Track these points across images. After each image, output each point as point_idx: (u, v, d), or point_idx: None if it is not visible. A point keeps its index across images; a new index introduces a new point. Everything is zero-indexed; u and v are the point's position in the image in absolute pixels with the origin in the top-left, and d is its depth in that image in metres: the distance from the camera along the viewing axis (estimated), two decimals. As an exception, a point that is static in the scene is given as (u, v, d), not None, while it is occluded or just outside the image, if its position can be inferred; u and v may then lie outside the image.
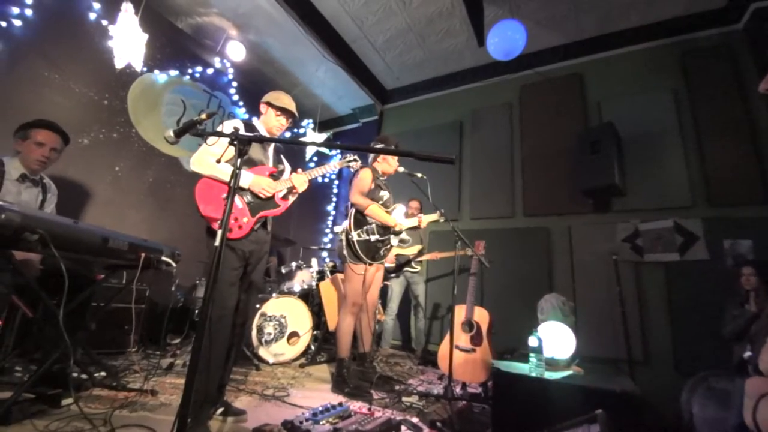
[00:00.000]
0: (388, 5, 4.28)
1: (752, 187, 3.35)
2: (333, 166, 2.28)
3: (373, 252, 2.60)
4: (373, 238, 2.58)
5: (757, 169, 3.36)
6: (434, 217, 2.93)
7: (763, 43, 3.41)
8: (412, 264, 3.98)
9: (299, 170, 2.11)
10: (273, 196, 2.01)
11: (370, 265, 2.59)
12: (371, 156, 2.89)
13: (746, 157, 3.42)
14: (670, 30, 4.06)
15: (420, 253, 3.98)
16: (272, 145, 2.17)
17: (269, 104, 2.13)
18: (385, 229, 2.66)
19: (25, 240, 1.46)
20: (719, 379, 2.15)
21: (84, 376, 2.09)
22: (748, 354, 2.31)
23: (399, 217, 2.78)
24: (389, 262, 3.27)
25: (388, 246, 2.69)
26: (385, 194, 2.75)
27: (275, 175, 2.07)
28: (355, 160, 2.41)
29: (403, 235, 2.78)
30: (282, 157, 2.23)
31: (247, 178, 1.94)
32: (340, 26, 4.70)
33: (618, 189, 3.70)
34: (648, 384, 3.09)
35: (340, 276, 3.51)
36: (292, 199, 2.11)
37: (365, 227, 2.59)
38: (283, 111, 2.13)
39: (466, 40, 4.70)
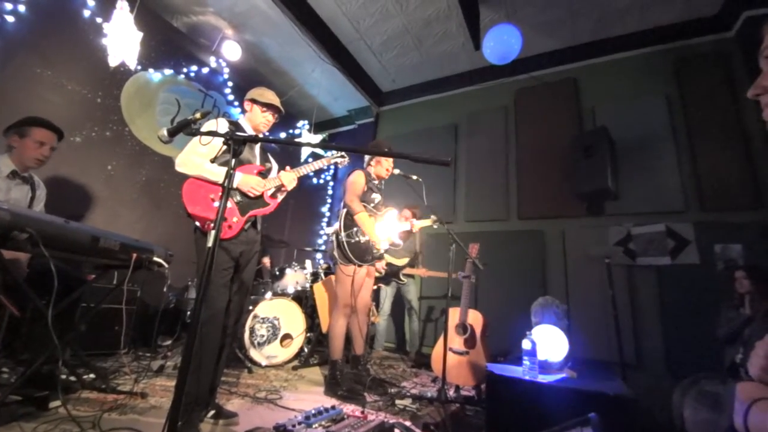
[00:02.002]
0: (386, 7, 4.29)
1: (743, 193, 3.39)
2: (322, 162, 2.26)
3: (363, 253, 2.58)
4: (363, 239, 2.57)
5: (748, 174, 3.41)
6: (427, 222, 2.94)
7: (755, 51, 3.46)
8: (401, 276, 3.95)
9: (287, 168, 2.09)
10: (262, 195, 2.00)
11: (360, 266, 2.58)
12: (366, 159, 2.90)
13: (737, 162, 3.47)
14: (664, 36, 4.11)
15: (411, 265, 3.96)
16: (259, 143, 2.14)
17: (254, 101, 2.10)
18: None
19: (14, 239, 1.43)
20: (711, 382, 2.16)
21: (73, 378, 2.06)
22: (739, 357, 2.34)
23: (390, 221, 2.77)
24: (380, 269, 3.27)
25: (378, 248, 2.68)
26: (376, 197, 2.75)
27: (263, 174, 2.06)
28: (342, 156, 2.40)
29: (395, 239, 2.76)
30: (269, 155, 2.21)
31: (236, 177, 1.92)
32: (337, 27, 4.70)
33: (611, 193, 3.73)
34: (640, 387, 3.11)
35: (333, 278, 3.50)
36: (281, 197, 2.09)
37: (355, 229, 2.59)
38: (269, 107, 2.10)
39: (462, 43, 4.72)
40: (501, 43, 3.69)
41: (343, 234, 2.57)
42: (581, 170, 3.84)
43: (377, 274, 3.17)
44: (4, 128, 2.12)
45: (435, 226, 2.95)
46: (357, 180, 2.67)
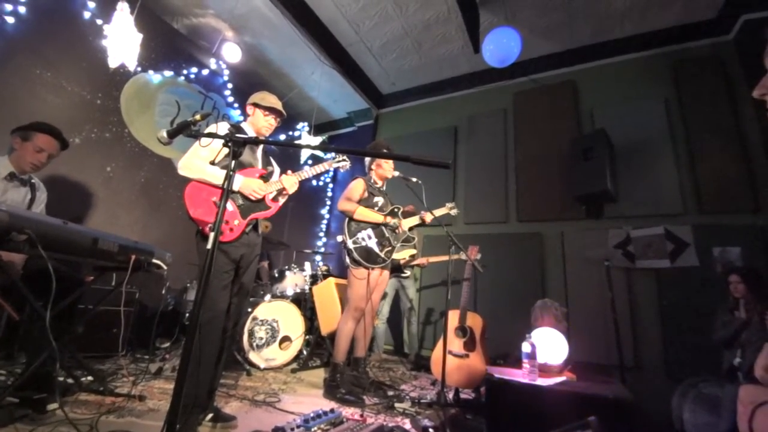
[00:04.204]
0: (385, 10, 4.30)
1: (741, 195, 3.40)
2: (323, 166, 2.27)
3: (373, 256, 2.61)
4: (369, 243, 2.59)
5: (746, 177, 3.41)
6: (443, 210, 2.91)
7: (753, 54, 3.48)
8: (403, 270, 3.94)
9: (289, 171, 2.10)
10: (263, 198, 2.00)
11: (372, 269, 2.60)
12: (366, 164, 2.90)
13: (735, 165, 3.47)
14: (663, 40, 4.13)
15: (412, 258, 3.95)
16: (261, 147, 2.15)
17: (256, 105, 2.11)
18: (382, 234, 2.65)
19: (12, 240, 1.42)
20: (709, 385, 2.17)
21: (70, 381, 2.05)
22: (738, 360, 2.34)
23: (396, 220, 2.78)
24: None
25: (389, 248, 2.68)
26: (379, 200, 2.76)
27: (265, 177, 2.06)
28: (344, 160, 2.41)
29: (407, 234, 2.77)
30: (271, 158, 2.21)
31: (237, 181, 1.92)
32: (336, 30, 4.70)
33: (610, 195, 3.74)
34: (639, 390, 3.11)
35: (335, 281, 3.49)
36: (282, 200, 2.10)
37: (359, 234, 2.61)
38: (271, 110, 2.11)
39: (461, 46, 4.74)
40: (500, 46, 3.70)
41: (349, 241, 2.60)
42: (580, 173, 3.85)
43: None
44: (6, 129, 2.11)
45: (452, 213, 2.95)
46: (353, 187, 2.71)
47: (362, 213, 2.63)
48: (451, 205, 2.97)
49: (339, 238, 2.82)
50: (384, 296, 4.06)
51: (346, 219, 2.68)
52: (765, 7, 3.42)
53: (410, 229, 2.82)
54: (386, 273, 2.79)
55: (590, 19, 4.18)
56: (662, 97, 3.98)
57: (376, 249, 2.61)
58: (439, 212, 2.81)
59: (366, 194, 2.71)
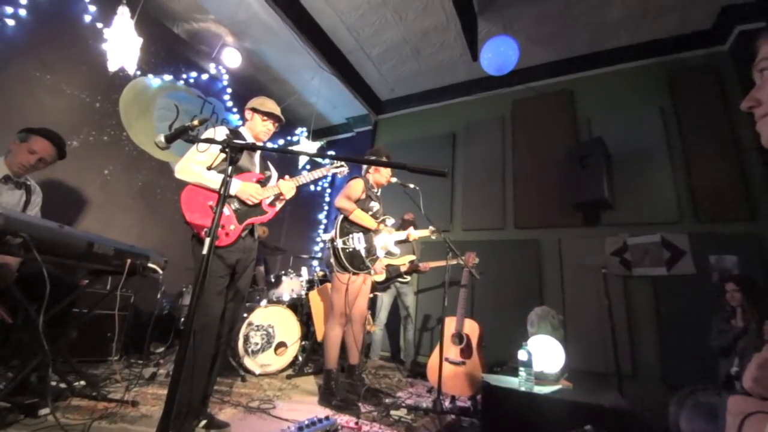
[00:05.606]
0: (385, 18, 4.34)
1: (737, 204, 3.42)
2: (321, 172, 2.27)
3: (358, 261, 2.57)
4: (358, 246, 2.56)
5: (742, 185, 3.44)
6: (425, 233, 2.94)
7: (748, 64, 3.52)
8: (402, 275, 3.95)
9: (286, 177, 2.10)
10: (260, 203, 2.00)
11: (356, 274, 2.57)
12: (364, 167, 2.90)
13: (731, 173, 3.50)
14: (659, 49, 4.18)
15: (411, 264, 3.96)
16: (259, 152, 2.15)
17: (254, 110, 2.11)
18: (370, 240, 2.64)
19: (7, 243, 1.42)
20: (706, 393, 2.16)
21: (63, 385, 2.02)
22: (735, 369, 2.34)
23: (388, 233, 2.79)
24: (379, 273, 3.28)
25: (375, 256, 2.66)
26: (375, 205, 2.74)
27: (262, 182, 2.06)
28: (342, 165, 2.41)
29: (392, 248, 2.76)
30: (269, 163, 2.21)
31: (234, 185, 1.92)
32: (336, 37, 4.74)
33: (607, 203, 3.76)
34: (636, 398, 3.10)
35: (329, 285, 3.48)
36: (279, 205, 2.10)
37: (350, 236, 2.58)
38: (270, 115, 2.11)
39: (460, 54, 4.78)
40: (498, 54, 3.73)
41: (339, 241, 2.56)
42: (577, 180, 3.87)
43: (378, 278, 3.14)
44: (4, 132, 2.12)
45: (433, 237, 2.95)
46: (354, 186, 2.67)
47: (358, 215, 2.59)
48: (432, 228, 2.99)
49: (327, 236, 2.80)
50: (381, 303, 4.05)
51: (340, 217, 2.64)
52: (759, 18, 3.46)
53: (396, 243, 2.83)
54: (369, 280, 2.77)
55: (587, 29, 4.22)
56: (658, 106, 4.02)
57: (363, 254, 2.59)
58: (421, 233, 3.01)
59: (364, 196, 2.68)
